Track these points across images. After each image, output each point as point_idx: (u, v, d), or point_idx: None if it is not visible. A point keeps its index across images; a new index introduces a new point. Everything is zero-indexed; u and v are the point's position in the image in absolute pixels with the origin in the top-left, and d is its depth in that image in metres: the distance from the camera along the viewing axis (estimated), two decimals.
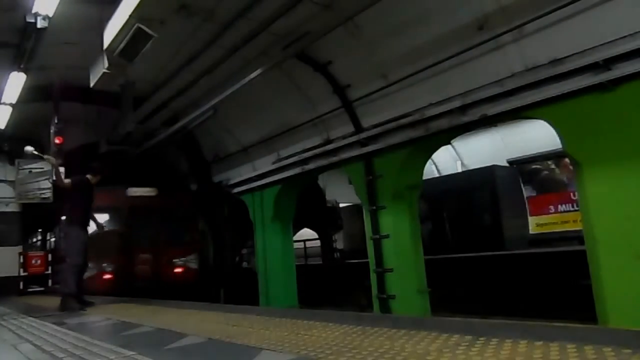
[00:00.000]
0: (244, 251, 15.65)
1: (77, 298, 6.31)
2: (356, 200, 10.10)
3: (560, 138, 5.49)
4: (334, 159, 8.43)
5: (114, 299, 8.01)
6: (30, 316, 5.83)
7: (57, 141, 9.91)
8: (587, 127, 5.16)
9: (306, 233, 15.42)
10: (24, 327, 4.69)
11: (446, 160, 14.87)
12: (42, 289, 13.13)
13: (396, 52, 6.82)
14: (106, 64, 6.85)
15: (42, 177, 12.06)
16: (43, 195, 12.19)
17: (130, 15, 5.64)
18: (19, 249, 12.60)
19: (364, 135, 7.75)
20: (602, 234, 5.01)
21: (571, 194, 10.00)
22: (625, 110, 4.82)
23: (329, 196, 15.46)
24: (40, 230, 16.96)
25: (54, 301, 9.14)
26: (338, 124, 8.35)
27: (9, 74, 8.05)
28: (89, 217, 6.59)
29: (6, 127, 10.45)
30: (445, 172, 14.56)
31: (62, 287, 6.41)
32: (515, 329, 2.60)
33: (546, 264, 8.53)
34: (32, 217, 13.65)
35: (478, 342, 2.36)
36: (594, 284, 5.16)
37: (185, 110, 10.13)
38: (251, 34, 7.38)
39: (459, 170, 14.48)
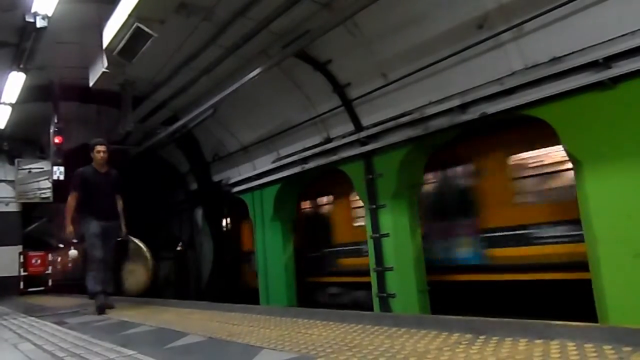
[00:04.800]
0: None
1: (104, 296, 5.62)
2: None
3: (560, 136, 5.48)
4: (334, 157, 8.43)
5: (114, 298, 8.01)
6: (31, 316, 5.83)
7: (56, 141, 9.92)
8: (587, 125, 5.16)
9: None
10: (24, 327, 4.70)
11: None
12: (42, 288, 13.14)
13: (396, 50, 6.82)
14: (105, 64, 6.85)
15: (41, 177, 12.09)
16: (43, 195, 12.22)
17: (129, 15, 5.64)
18: (19, 248, 12.61)
19: (363, 134, 7.75)
20: (602, 233, 5.00)
21: None
22: (626, 108, 4.81)
23: None
24: None
25: (55, 301, 9.15)
26: (338, 123, 8.35)
27: (8, 73, 8.05)
28: (102, 206, 5.79)
29: (6, 126, 10.46)
30: None
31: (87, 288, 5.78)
32: (515, 327, 2.60)
33: None
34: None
35: (478, 340, 2.36)
36: (594, 282, 5.16)
37: (184, 110, 10.13)
38: (250, 33, 7.38)
39: None
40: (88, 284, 5.60)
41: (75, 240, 5.81)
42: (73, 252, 5.83)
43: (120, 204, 6.01)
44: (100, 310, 5.40)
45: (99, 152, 5.81)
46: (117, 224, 5.88)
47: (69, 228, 5.67)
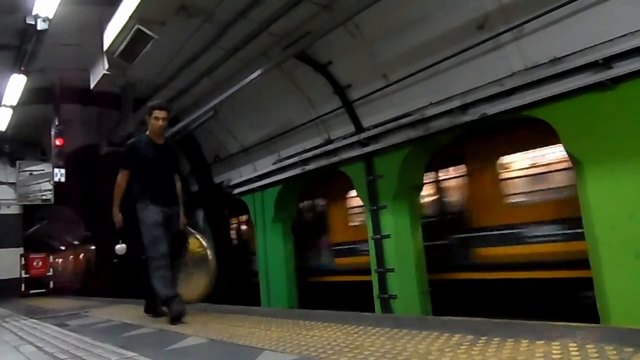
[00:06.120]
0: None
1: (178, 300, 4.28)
2: None
3: (561, 137, 5.48)
4: (335, 159, 8.43)
5: (115, 300, 8.03)
6: (32, 318, 5.83)
7: (57, 143, 9.94)
8: (587, 125, 5.16)
9: None
10: (25, 329, 4.70)
11: None
12: (43, 290, 13.15)
13: (396, 52, 6.82)
14: (106, 66, 6.87)
15: (43, 179, 12.11)
16: (44, 197, 12.24)
17: (130, 17, 5.65)
18: (20, 250, 12.63)
19: (364, 135, 7.75)
20: (603, 233, 5.00)
21: None
22: (626, 109, 4.81)
23: None
24: None
25: (56, 303, 9.15)
26: (338, 124, 8.35)
27: (9, 75, 8.07)
28: (160, 187, 4.47)
29: (7, 129, 10.48)
30: None
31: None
32: (516, 328, 2.60)
33: None
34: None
35: (480, 341, 2.35)
36: (595, 282, 5.16)
37: (185, 111, 10.14)
38: (251, 35, 7.39)
39: None
40: (157, 287, 4.25)
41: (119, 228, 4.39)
42: (121, 247, 4.64)
43: (179, 187, 4.76)
44: (176, 319, 4.07)
45: (157, 118, 4.51)
46: (177, 211, 4.59)
47: (117, 216, 4.42)
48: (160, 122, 4.53)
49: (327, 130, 8.68)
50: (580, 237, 5.59)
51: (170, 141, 4.87)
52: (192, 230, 4.86)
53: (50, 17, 6.26)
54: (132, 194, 4.44)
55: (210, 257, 4.66)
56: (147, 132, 4.63)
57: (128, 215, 4.44)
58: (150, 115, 4.55)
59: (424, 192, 8.36)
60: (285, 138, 9.53)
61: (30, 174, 12.22)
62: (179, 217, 4.62)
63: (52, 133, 10.06)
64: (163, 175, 4.55)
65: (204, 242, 4.76)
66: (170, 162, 4.71)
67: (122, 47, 6.16)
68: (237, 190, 11.43)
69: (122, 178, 4.46)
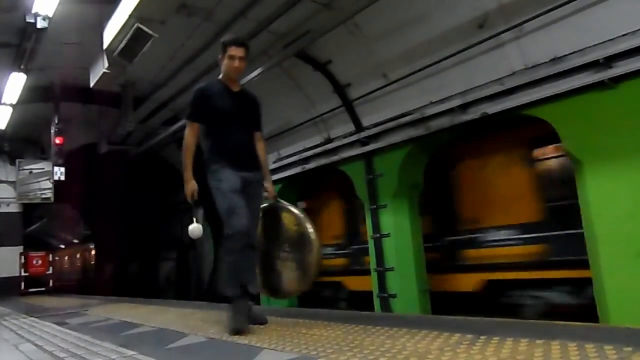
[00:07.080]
0: None
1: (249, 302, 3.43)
2: None
3: (561, 136, 5.48)
4: (335, 157, 8.43)
5: (114, 299, 8.03)
6: (32, 316, 5.84)
7: (57, 141, 9.95)
8: (587, 125, 5.15)
9: None
10: (25, 327, 4.70)
11: None
12: (43, 289, 13.17)
13: (396, 51, 6.82)
14: (106, 64, 6.87)
15: (42, 178, 12.12)
16: (44, 196, 12.24)
17: (130, 15, 5.65)
18: (20, 249, 12.63)
19: (364, 134, 7.75)
20: (603, 232, 5.00)
21: None
22: (626, 108, 4.81)
23: None
24: None
25: (55, 301, 9.15)
26: (338, 123, 8.35)
27: (9, 74, 8.07)
28: (237, 145, 3.53)
29: (6, 127, 10.48)
30: None
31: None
32: (516, 328, 2.60)
33: None
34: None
35: (479, 340, 2.35)
36: (594, 282, 5.16)
37: (185, 110, 10.13)
38: (251, 34, 7.37)
39: None
40: (224, 278, 3.39)
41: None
42: (196, 227, 3.37)
43: (261, 148, 3.75)
44: (239, 329, 3.13)
45: (232, 57, 3.51)
46: (260, 177, 3.64)
47: (190, 184, 3.47)
48: (237, 63, 3.53)
49: (327, 129, 8.68)
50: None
51: (249, 91, 3.82)
52: (284, 203, 3.90)
53: (50, 15, 6.27)
54: (204, 152, 3.54)
55: (312, 234, 3.61)
56: (220, 77, 3.69)
57: (203, 184, 3.55)
58: (224, 54, 3.53)
59: None
60: (285, 137, 9.53)
61: (30, 172, 12.22)
62: (263, 186, 3.67)
63: (52, 131, 10.07)
64: (241, 131, 3.58)
65: (301, 216, 3.73)
66: (250, 115, 3.69)
67: (122, 45, 6.16)
68: None
69: (190, 133, 3.51)
